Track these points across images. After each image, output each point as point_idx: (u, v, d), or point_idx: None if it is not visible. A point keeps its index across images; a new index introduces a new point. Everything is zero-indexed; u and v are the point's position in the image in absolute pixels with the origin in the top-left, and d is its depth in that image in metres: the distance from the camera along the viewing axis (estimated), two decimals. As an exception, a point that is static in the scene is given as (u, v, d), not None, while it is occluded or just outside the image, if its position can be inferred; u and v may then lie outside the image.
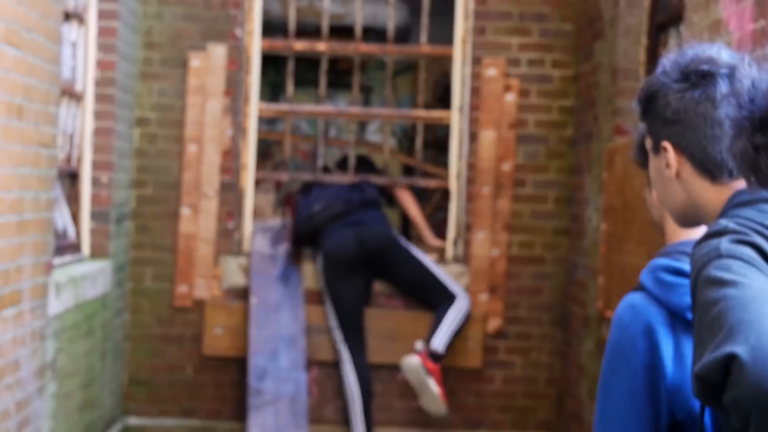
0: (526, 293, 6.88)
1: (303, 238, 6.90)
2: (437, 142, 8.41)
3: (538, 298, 6.90)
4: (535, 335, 6.89)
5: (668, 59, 2.28)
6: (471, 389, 6.84)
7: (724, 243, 1.93)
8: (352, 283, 6.72)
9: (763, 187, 1.95)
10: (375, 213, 6.78)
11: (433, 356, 6.31)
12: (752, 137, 1.69)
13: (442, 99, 8.13)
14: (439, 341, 6.37)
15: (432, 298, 6.65)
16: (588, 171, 6.38)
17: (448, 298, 6.58)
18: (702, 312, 1.88)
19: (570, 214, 6.80)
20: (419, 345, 6.34)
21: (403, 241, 6.69)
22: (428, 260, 6.60)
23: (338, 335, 6.62)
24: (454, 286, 6.56)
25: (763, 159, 1.66)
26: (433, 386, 6.09)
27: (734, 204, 2.10)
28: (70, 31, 5.86)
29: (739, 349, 1.74)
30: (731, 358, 1.74)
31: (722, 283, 1.86)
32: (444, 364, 6.70)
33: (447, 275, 6.61)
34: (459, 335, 6.57)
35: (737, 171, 1.98)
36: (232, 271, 6.73)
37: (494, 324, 6.77)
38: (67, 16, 5.72)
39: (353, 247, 6.65)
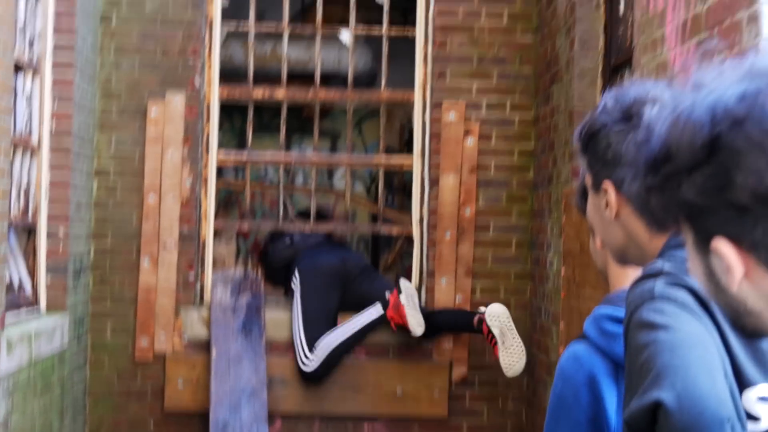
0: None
1: (279, 267, 6.99)
2: (404, 187, 8.46)
3: (504, 345, 6.73)
4: (501, 382, 6.81)
5: (610, 97, 2.27)
6: (436, 441, 6.86)
7: (659, 285, 1.91)
8: (329, 297, 6.83)
9: (656, 230, 1.97)
10: (351, 250, 6.98)
11: None
12: (645, 179, 1.63)
13: (409, 143, 8.21)
14: None
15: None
16: (549, 215, 6.43)
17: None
18: (632, 356, 1.86)
19: (532, 259, 6.82)
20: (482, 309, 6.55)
21: None
22: None
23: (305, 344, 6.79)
24: None
25: (654, 201, 1.59)
26: None
27: (672, 245, 2.07)
28: (24, 83, 5.94)
29: (666, 395, 1.72)
30: (657, 405, 1.71)
31: (653, 326, 1.84)
32: (408, 413, 6.81)
33: None
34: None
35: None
36: (194, 323, 6.76)
37: (459, 372, 6.78)
38: (20, 68, 5.78)
39: (338, 265, 6.82)
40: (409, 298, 6.62)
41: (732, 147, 1.38)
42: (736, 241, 1.39)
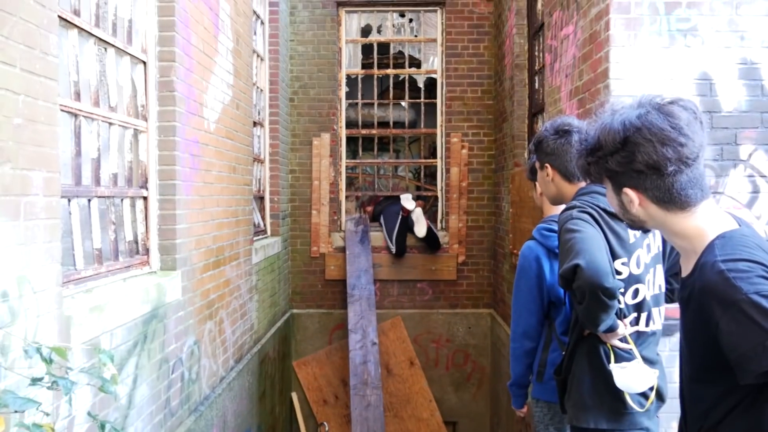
0: (476, 243, 9.91)
1: (376, 215, 9.75)
2: (432, 173, 10.96)
3: (482, 246, 9.92)
4: (481, 263, 9.93)
5: (549, 123, 3.00)
6: (450, 290, 9.95)
7: (574, 212, 2.58)
8: (395, 221, 9.28)
9: (594, 183, 2.27)
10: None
11: None
12: (586, 158, 2.05)
13: (434, 153, 10.87)
14: None
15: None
16: (503, 184, 8.83)
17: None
18: (562, 245, 2.52)
19: (495, 205, 9.65)
20: None
21: None
22: None
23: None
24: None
25: (593, 170, 2.01)
26: None
27: (579, 194, 2.79)
28: (257, 129, 8.30)
29: (580, 261, 2.37)
30: (576, 266, 2.37)
31: (572, 231, 2.49)
32: (437, 278, 9.70)
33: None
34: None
35: (581, 177, 2.29)
36: (337, 239, 9.88)
37: (461, 258, 9.88)
38: (256, 124, 8.22)
39: (398, 209, 9.24)
40: (405, 199, 8.85)
41: (635, 141, 1.85)
42: (635, 188, 1.87)
